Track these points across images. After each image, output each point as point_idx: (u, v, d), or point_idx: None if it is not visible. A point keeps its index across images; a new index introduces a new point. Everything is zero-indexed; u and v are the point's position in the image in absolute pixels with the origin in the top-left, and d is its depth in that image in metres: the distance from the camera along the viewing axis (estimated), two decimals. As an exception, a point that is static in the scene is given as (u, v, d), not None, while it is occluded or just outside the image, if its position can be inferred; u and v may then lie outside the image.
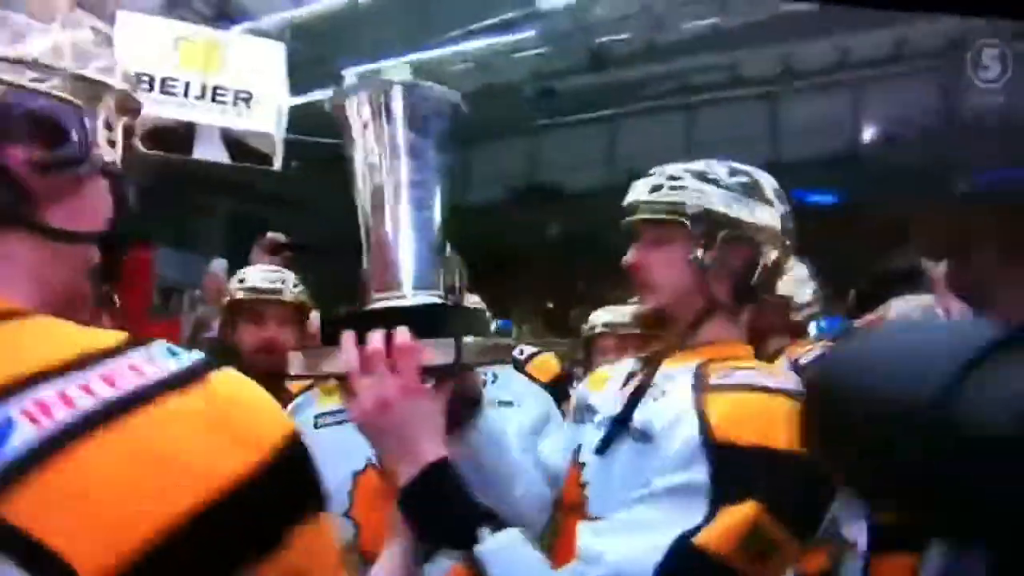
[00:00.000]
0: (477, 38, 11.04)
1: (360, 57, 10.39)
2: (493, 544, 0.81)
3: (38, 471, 0.44)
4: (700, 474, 0.82)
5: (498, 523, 0.84)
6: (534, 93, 12.52)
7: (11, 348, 0.49)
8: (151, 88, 5.98)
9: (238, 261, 2.60)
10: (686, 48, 11.44)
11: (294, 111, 6.36)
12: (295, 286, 1.97)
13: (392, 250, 0.88)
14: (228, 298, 1.99)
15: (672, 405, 0.91)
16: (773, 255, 1.03)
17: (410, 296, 0.88)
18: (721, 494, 0.81)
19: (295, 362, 0.90)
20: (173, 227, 11.21)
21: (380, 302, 0.88)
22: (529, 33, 11.05)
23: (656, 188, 1.04)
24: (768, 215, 1.03)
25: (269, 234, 2.97)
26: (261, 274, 2.00)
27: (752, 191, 1.03)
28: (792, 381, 0.92)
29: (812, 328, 2.86)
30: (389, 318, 0.84)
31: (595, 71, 11.86)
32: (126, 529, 0.44)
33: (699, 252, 1.00)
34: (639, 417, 0.93)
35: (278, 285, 1.95)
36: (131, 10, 6.52)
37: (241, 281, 1.99)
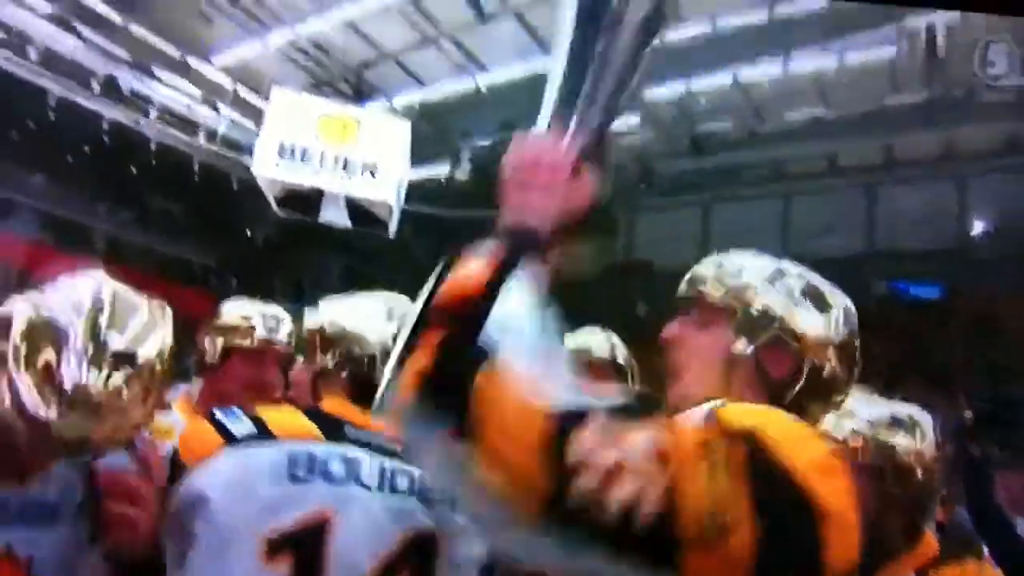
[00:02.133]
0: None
1: (479, 136, 11.20)
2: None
3: None
4: None
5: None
6: (635, 174, 12.89)
7: None
8: (292, 156, 6.81)
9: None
10: (786, 137, 11.60)
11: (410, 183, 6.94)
12: None
13: None
14: None
15: None
16: (817, 365, 0.93)
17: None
18: None
19: None
20: (289, 281, 12.11)
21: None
22: (634, 118, 11.52)
23: (720, 266, 1.02)
24: (822, 325, 0.95)
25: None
26: None
27: (814, 299, 0.97)
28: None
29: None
30: None
31: (695, 156, 12.16)
32: None
33: (739, 345, 0.94)
34: None
35: None
36: (284, 86, 7.45)
37: None
